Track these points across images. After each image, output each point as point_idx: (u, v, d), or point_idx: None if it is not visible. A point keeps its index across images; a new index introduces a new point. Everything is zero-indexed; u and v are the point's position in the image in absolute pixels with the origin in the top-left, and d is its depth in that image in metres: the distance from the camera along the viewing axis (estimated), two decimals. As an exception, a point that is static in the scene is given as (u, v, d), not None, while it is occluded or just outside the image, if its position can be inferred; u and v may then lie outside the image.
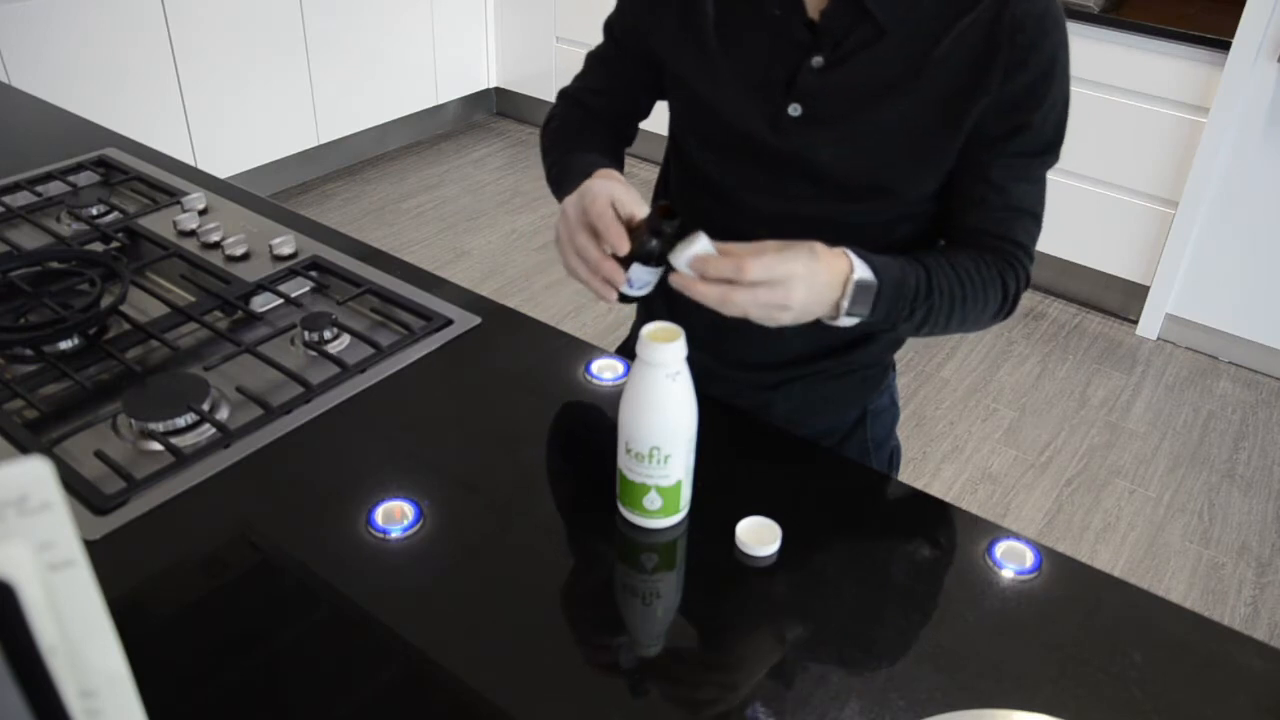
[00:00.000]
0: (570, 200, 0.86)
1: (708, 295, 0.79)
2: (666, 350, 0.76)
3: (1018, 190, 0.92)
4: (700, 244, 0.80)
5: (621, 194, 0.83)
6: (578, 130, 1.07)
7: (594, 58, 1.10)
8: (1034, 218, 0.94)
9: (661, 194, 1.12)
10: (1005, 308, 0.95)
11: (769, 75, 0.91)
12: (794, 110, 0.90)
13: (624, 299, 0.89)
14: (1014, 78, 0.85)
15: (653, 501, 0.82)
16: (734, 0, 0.92)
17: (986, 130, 0.88)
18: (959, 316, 0.92)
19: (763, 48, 0.91)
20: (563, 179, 0.98)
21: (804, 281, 0.80)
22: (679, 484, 0.82)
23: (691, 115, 1.00)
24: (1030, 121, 0.88)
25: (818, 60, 0.88)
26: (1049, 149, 0.91)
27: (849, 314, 0.85)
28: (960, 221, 0.95)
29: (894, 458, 1.18)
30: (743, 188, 0.98)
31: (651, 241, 0.82)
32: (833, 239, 0.84)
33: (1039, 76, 0.86)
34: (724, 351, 1.04)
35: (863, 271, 0.85)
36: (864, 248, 0.86)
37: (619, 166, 1.02)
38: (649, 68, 1.02)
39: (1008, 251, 0.93)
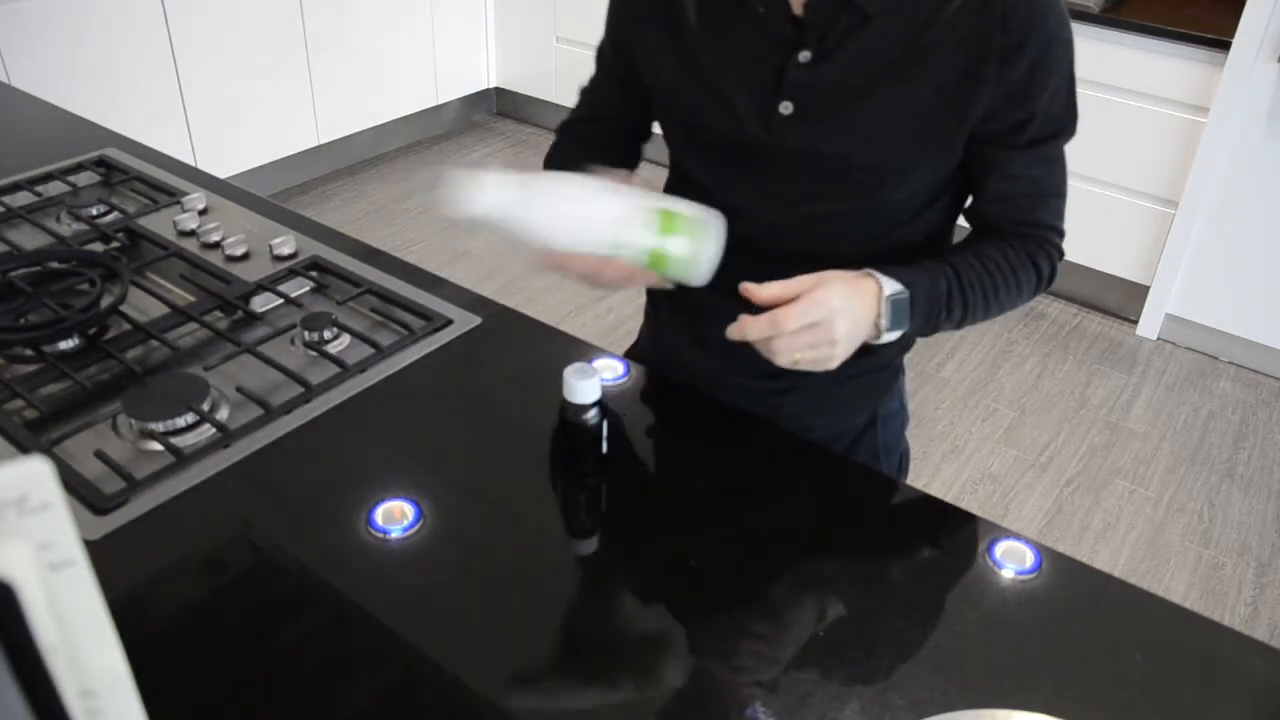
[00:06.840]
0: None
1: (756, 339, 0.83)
2: None
3: (1037, 175, 0.92)
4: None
5: None
6: (571, 159, 1.08)
7: (585, 90, 1.11)
8: (1058, 196, 0.95)
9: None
10: (1041, 286, 0.97)
11: (757, 75, 0.89)
12: (785, 108, 0.89)
13: None
14: (1012, 64, 0.83)
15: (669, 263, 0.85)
16: (717, 4, 0.91)
17: (996, 122, 0.87)
18: (996, 305, 0.94)
19: (749, 47, 0.90)
20: None
21: (842, 314, 0.82)
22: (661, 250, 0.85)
23: (683, 125, 0.99)
24: (1039, 106, 0.86)
25: (805, 55, 0.86)
26: (1063, 129, 0.90)
27: (890, 330, 0.87)
28: (984, 213, 0.96)
29: (903, 462, 1.16)
30: (741, 194, 0.96)
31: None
32: (836, 239, 0.84)
33: (1039, 58, 0.83)
34: (734, 360, 1.03)
35: (892, 287, 0.86)
36: (870, 246, 0.86)
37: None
38: (640, 87, 1.02)
39: (1037, 235, 0.95)
